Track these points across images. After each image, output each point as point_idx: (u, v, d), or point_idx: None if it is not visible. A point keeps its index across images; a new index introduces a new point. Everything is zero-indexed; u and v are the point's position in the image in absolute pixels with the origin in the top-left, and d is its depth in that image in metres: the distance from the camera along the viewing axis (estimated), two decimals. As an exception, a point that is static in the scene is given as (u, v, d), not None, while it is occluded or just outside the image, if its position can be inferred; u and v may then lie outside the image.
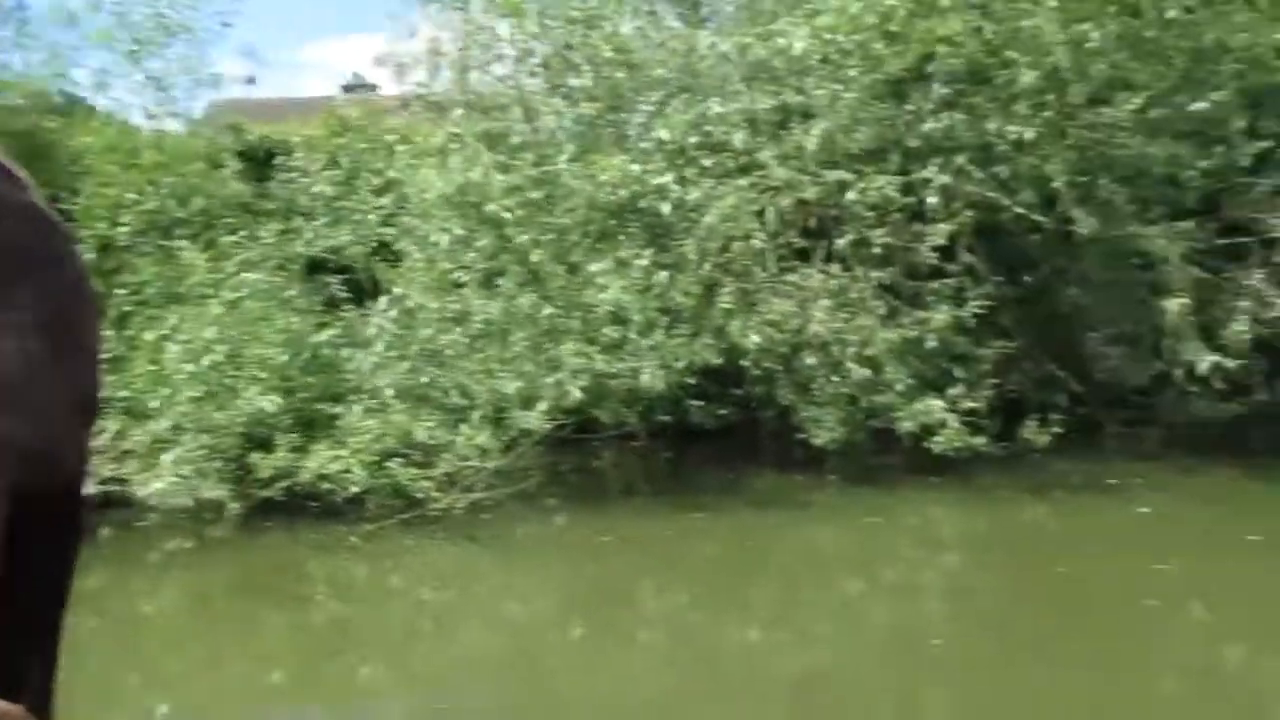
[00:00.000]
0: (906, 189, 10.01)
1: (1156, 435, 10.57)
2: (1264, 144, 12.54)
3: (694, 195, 8.81)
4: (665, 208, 8.74)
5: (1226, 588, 6.63)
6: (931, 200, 9.95)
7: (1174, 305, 8.92)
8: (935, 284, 10.01)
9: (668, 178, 8.54)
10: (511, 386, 8.09)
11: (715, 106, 8.94)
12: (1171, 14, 9.72)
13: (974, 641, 6.30)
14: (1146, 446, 10.55)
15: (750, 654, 6.32)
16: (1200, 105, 9.89)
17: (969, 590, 7.33)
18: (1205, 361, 8.68)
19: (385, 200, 10.63)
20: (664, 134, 8.93)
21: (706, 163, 9.21)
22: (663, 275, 8.71)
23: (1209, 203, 10.77)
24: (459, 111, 10.40)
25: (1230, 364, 8.63)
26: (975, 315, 10.05)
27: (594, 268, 8.49)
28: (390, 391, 8.27)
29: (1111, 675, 5.34)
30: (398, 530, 8.12)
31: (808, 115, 9.30)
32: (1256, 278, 8.94)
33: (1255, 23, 12.27)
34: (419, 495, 8.02)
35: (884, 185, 9.87)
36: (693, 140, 9.23)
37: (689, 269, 8.86)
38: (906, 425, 8.89)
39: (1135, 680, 5.41)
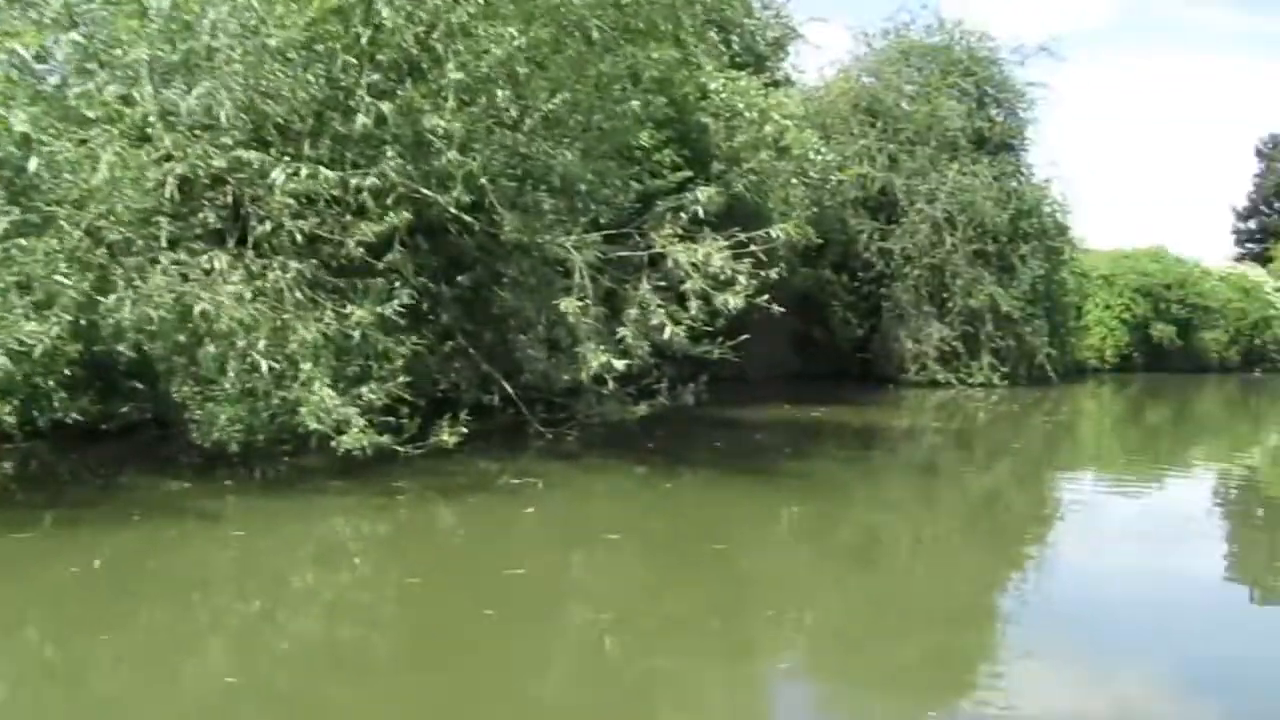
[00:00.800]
0: (339, 179, 9.52)
1: (575, 435, 11.08)
2: (686, 174, 13.99)
3: (68, 152, 7.48)
4: (32, 163, 7.32)
5: (566, 589, 6.89)
6: (364, 192, 9.55)
7: (569, 309, 9.37)
8: (363, 280, 9.62)
9: (21, 116, 7.10)
10: None
11: (78, 36, 7.67)
12: (595, 35, 10.25)
13: (364, 654, 5.86)
14: (565, 446, 11.03)
15: (123, 690, 5.30)
16: (612, 125, 10.54)
17: (362, 601, 6.89)
18: (595, 364, 9.21)
19: None
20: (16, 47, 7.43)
21: (90, 114, 7.94)
22: (22, 242, 7.28)
23: (632, 218, 11.56)
24: None
25: (619, 365, 9.22)
26: (409, 312, 9.83)
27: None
28: None
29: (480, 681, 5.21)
30: None
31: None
32: (644, 289, 9.66)
33: (676, 62, 13.57)
34: None
35: (312, 172, 9.30)
36: (75, 90, 7.91)
37: (57, 237, 7.51)
38: (314, 424, 8.33)
39: (492, 682, 5.31)
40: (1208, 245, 68.03)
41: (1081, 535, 9.64)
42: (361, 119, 9.60)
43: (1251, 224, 54.13)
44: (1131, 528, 9.77)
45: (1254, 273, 39.94)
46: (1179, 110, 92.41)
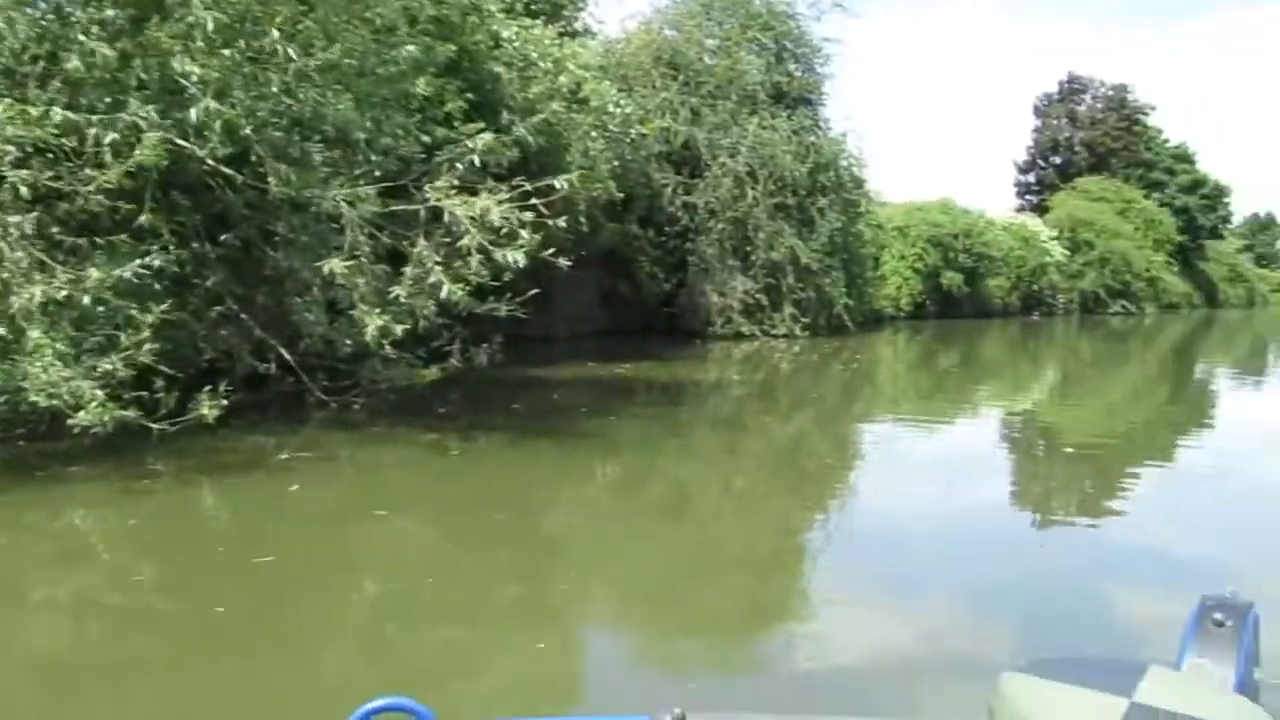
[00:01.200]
0: (75, 123, 8.45)
1: (361, 403, 10.35)
2: (478, 125, 13.28)
3: None
4: None
5: (347, 566, 6.28)
6: (104, 142, 8.51)
7: (337, 269, 8.67)
8: (104, 238, 8.59)
9: None
10: None
11: None
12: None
13: (111, 659, 5.11)
14: (350, 416, 10.30)
15: None
16: (389, 71, 9.80)
17: (108, 601, 6.06)
18: (373, 327, 8.56)
19: None
20: None
21: None
22: None
23: (419, 171, 10.83)
24: None
25: (397, 329, 8.60)
26: (169, 274, 8.88)
27: None
28: None
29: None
30: None
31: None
32: (421, 246, 9.02)
33: (461, 6, 12.82)
34: None
35: (41, 114, 8.23)
36: None
37: None
38: (43, 401, 7.34)
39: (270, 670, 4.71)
40: (991, 197, 72.32)
41: (880, 477, 9.79)
42: (75, 60, 8.56)
43: (1030, 177, 57.80)
44: (926, 467, 9.97)
45: (1032, 223, 42.65)
46: (967, 66, 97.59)
